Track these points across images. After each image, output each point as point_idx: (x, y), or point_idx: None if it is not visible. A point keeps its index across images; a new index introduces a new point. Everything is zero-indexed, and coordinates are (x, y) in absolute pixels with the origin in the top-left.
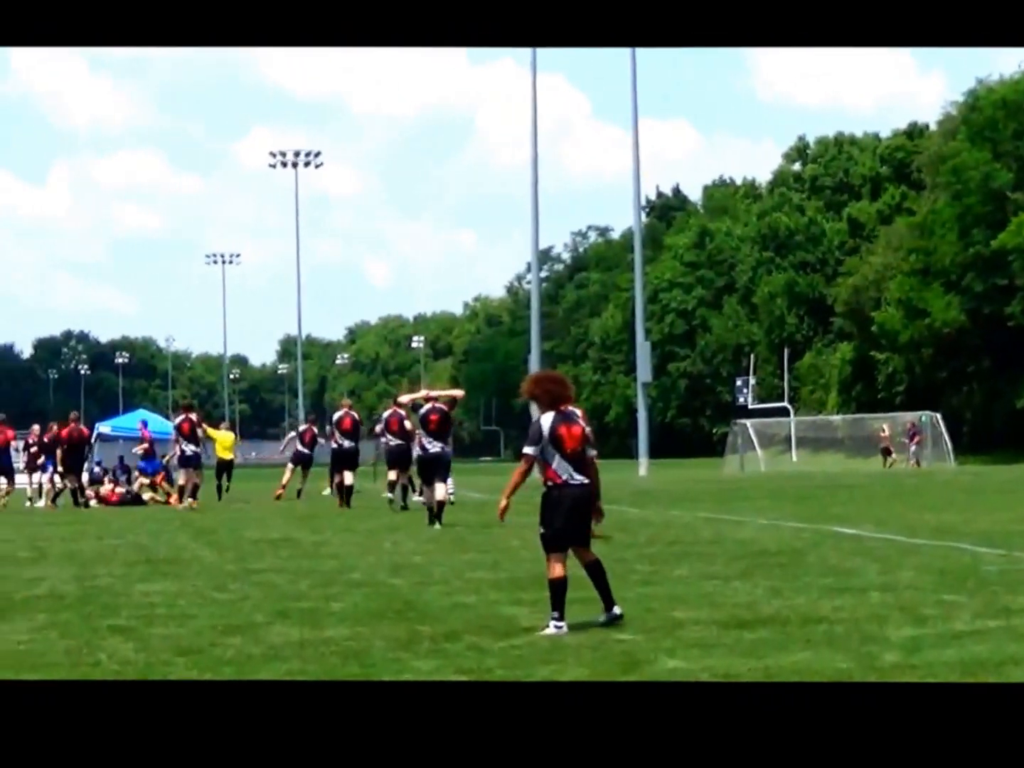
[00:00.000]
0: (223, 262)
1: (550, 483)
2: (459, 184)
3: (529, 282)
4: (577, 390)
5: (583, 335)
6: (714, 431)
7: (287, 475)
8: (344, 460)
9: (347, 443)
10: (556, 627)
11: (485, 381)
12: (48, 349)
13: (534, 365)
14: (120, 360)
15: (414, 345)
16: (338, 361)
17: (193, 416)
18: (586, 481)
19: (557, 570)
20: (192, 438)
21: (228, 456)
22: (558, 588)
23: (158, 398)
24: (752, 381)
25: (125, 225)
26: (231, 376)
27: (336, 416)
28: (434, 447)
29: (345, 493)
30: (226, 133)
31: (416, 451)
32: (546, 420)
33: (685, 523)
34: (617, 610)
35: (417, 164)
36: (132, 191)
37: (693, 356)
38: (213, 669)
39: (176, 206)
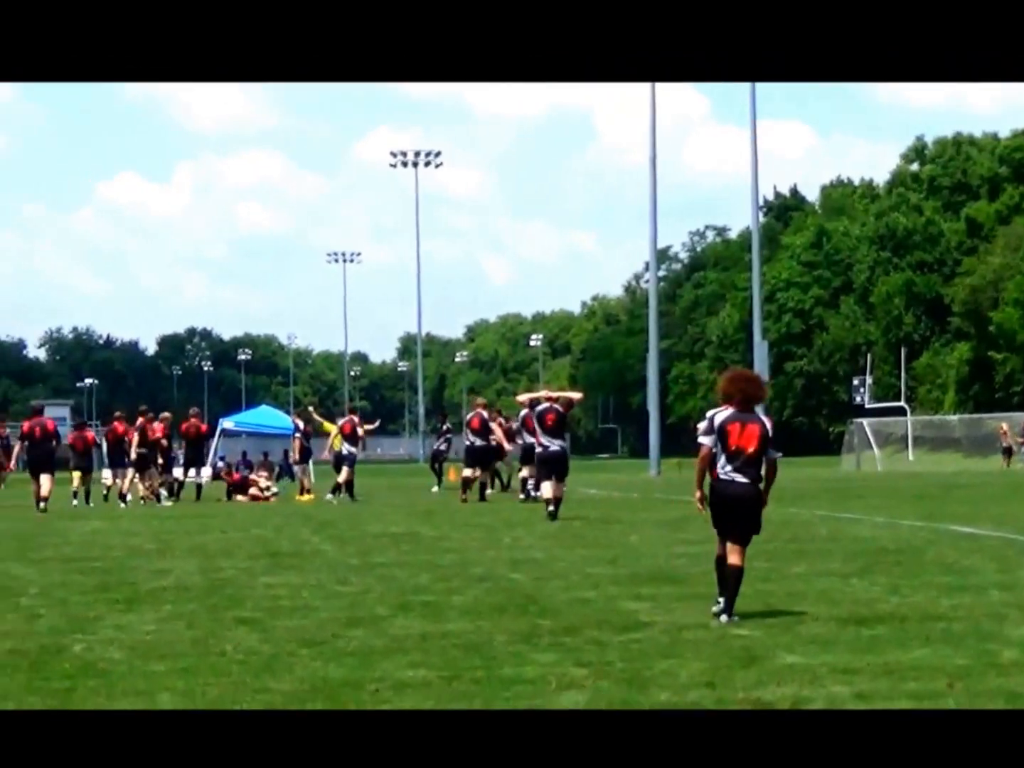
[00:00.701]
0: (344, 260)
1: (713, 478)
2: (578, 184)
3: (647, 281)
4: (693, 388)
5: (700, 334)
6: (831, 430)
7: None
8: (472, 457)
9: (478, 441)
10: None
11: (603, 379)
12: (172, 346)
13: (652, 364)
14: (243, 357)
15: (532, 343)
16: (457, 359)
17: (355, 417)
18: (746, 481)
19: (719, 550)
20: (352, 438)
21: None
22: (718, 569)
23: (280, 394)
24: (869, 380)
25: (248, 223)
26: (352, 373)
27: (468, 415)
28: (554, 445)
29: (479, 487)
30: (348, 133)
31: (537, 449)
32: (721, 415)
33: (803, 521)
34: (732, 620)
35: (536, 164)
36: (255, 190)
37: (810, 355)
38: (337, 660)
39: (298, 205)
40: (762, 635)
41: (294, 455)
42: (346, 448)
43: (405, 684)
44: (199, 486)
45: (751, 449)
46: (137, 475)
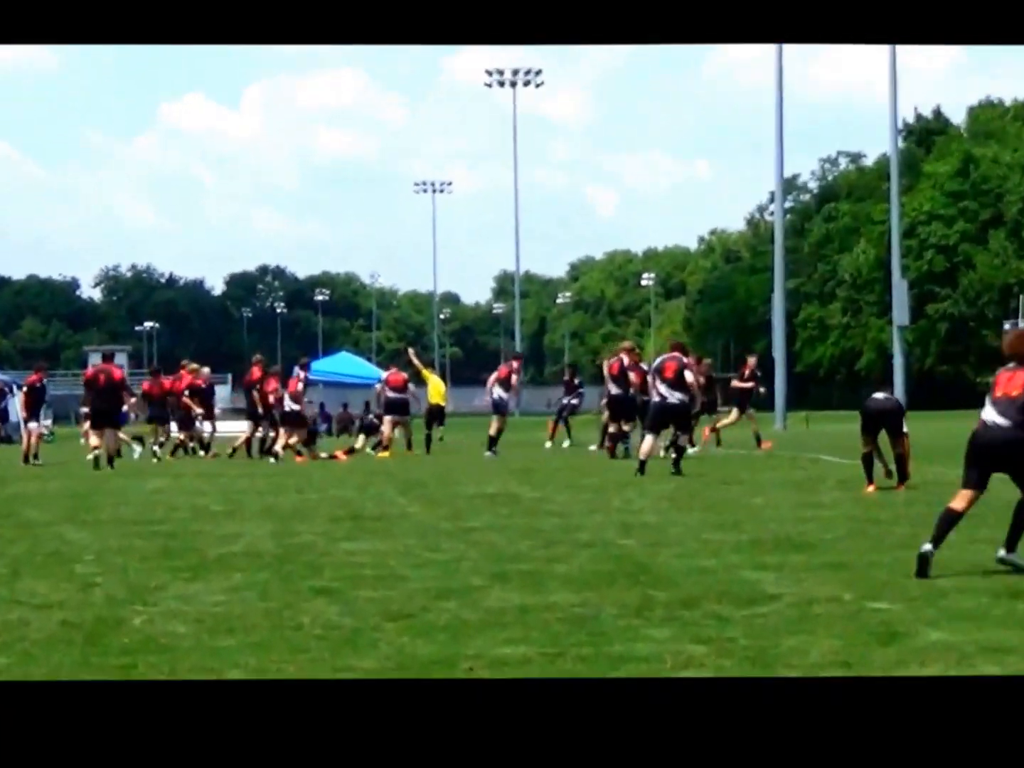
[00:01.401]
0: (433, 191)
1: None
2: (694, 106)
3: (772, 214)
4: (824, 334)
5: (831, 272)
6: (978, 380)
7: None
8: (611, 408)
9: (614, 389)
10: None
11: (721, 323)
12: (242, 285)
13: (777, 306)
14: (319, 298)
15: (643, 283)
16: (559, 300)
17: (515, 363)
18: (1007, 424)
19: (953, 502)
20: (506, 383)
21: (441, 403)
22: (943, 519)
23: (360, 339)
24: (1021, 324)
25: (325, 151)
26: (441, 316)
27: (608, 360)
28: (673, 397)
29: (611, 440)
30: (438, 48)
31: (654, 399)
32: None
33: (948, 481)
34: (1012, 557)
35: (648, 85)
36: (333, 114)
37: (955, 297)
38: (426, 635)
39: (382, 129)
40: (903, 609)
41: (377, 407)
42: (498, 393)
43: (502, 662)
44: (263, 441)
45: (1015, 395)
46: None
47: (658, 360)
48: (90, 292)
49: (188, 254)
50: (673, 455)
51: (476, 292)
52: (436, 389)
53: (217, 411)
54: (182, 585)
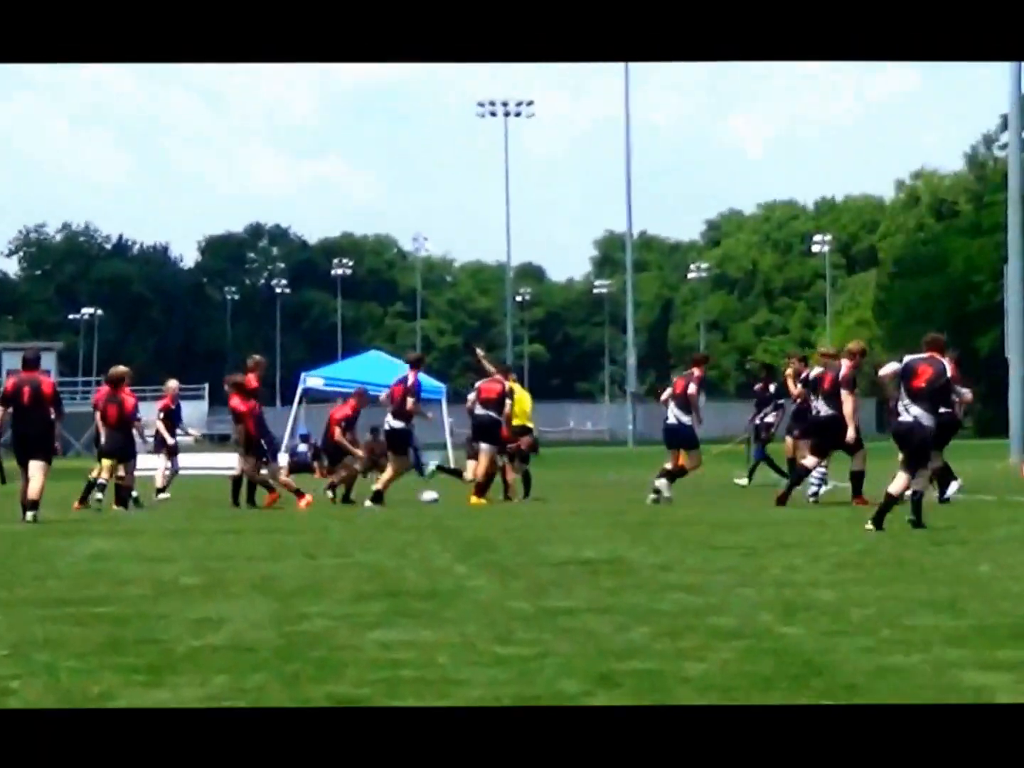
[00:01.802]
0: (505, 114)
1: None
2: None
3: (1005, 146)
4: None
5: None
6: None
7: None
8: (817, 432)
9: (824, 409)
10: None
11: (929, 307)
12: (223, 253)
13: (1013, 281)
14: (338, 272)
15: (815, 249)
16: (691, 275)
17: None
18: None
19: None
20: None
21: (528, 425)
22: None
23: (399, 332)
24: None
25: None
26: (518, 298)
27: (814, 372)
28: (826, 411)
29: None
30: None
31: (904, 419)
32: None
33: None
34: None
35: None
36: None
37: None
38: None
39: None
40: None
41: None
42: (675, 416)
43: None
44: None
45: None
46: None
47: (905, 363)
48: (3, 264)
49: (147, 208)
50: (911, 496)
51: (569, 264)
52: (521, 406)
53: (191, 437)
54: (138, 692)
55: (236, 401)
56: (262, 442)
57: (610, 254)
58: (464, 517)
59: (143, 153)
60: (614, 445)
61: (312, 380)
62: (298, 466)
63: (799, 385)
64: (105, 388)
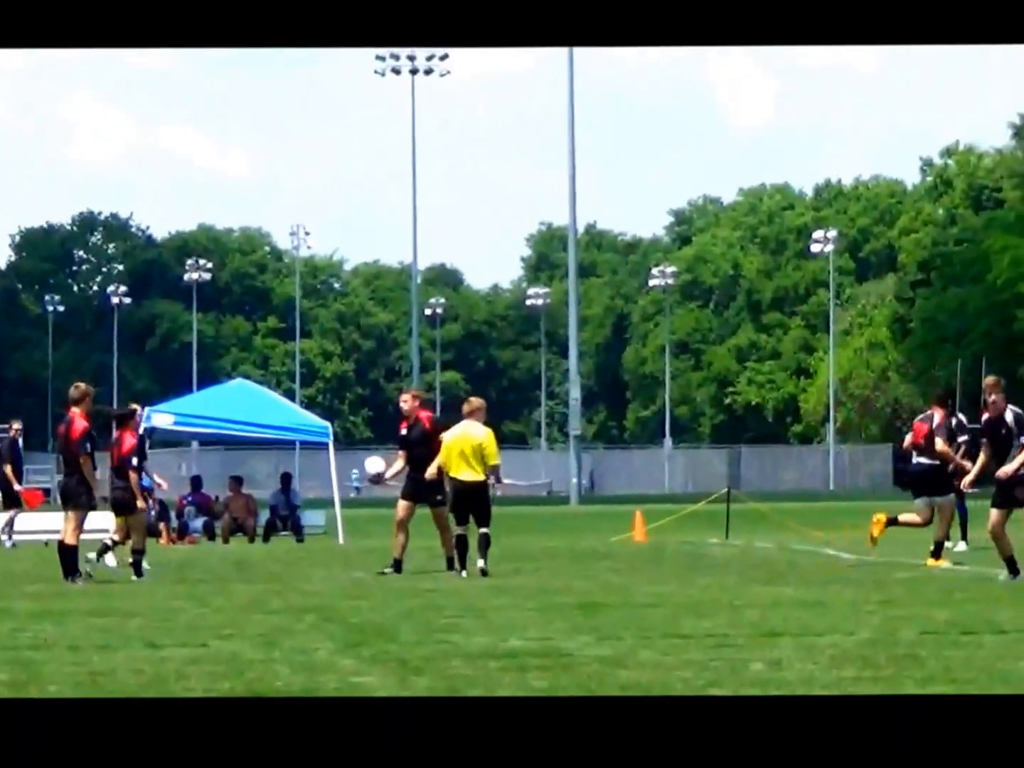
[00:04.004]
0: (411, 71)
1: None
2: None
3: None
4: None
5: None
6: None
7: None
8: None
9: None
10: None
11: (969, 320)
12: (43, 252)
13: None
14: (194, 276)
15: (814, 248)
16: (654, 280)
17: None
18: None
19: None
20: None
21: (471, 477)
22: None
23: (273, 355)
24: None
25: None
26: (427, 311)
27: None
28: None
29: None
30: None
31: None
32: None
33: None
34: None
35: None
36: None
37: None
38: None
39: None
40: None
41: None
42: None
43: None
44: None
45: None
46: None
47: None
48: None
49: None
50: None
51: (494, 268)
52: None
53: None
54: None
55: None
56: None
57: (547, 254)
58: (352, 596)
59: None
60: (553, 503)
61: (159, 417)
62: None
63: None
64: None
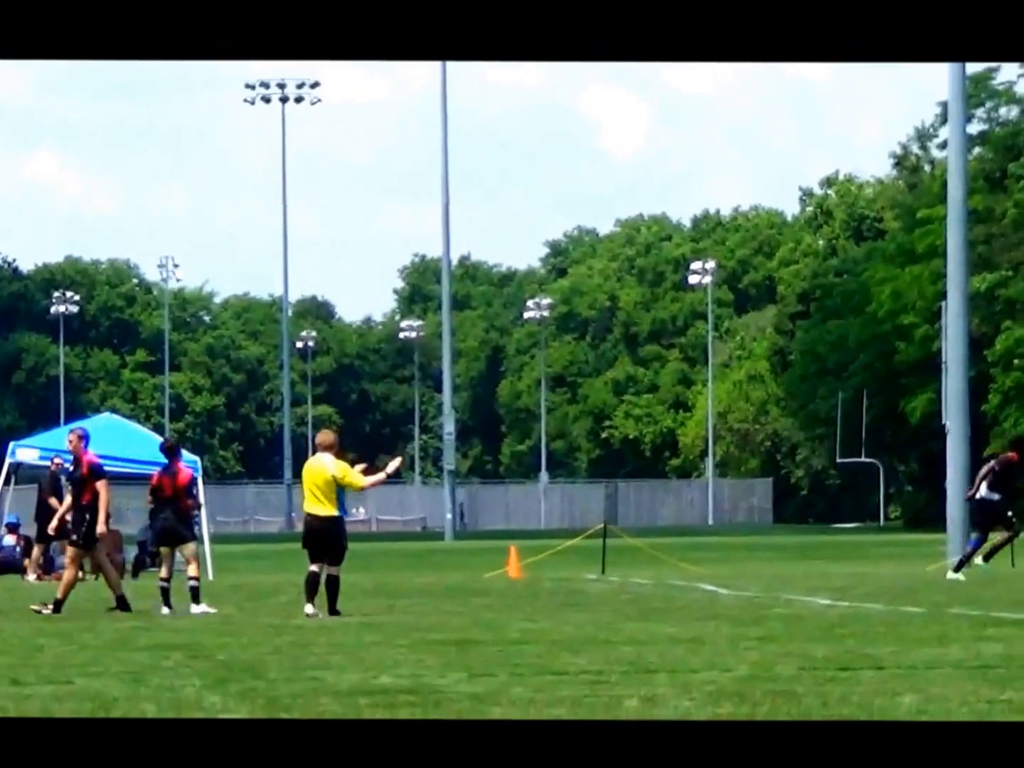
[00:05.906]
0: (282, 99)
1: None
2: None
3: (943, 146)
4: None
5: None
6: None
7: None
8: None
9: (995, 495)
10: None
11: (845, 358)
12: None
13: (954, 324)
14: (61, 308)
15: (692, 280)
16: (529, 313)
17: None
18: None
19: None
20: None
21: (322, 512)
22: None
23: (142, 389)
24: None
25: None
26: (298, 344)
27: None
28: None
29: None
30: None
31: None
32: None
33: None
34: None
35: None
36: None
37: None
38: None
39: None
40: None
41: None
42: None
43: None
44: None
45: None
46: None
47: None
48: None
49: None
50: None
51: (366, 300)
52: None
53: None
54: None
55: None
56: None
57: (421, 286)
58: (221, 633)
59: None
60: (427, 539)
61: (24, 452)
62: (2, 565)
63: None
64: None
